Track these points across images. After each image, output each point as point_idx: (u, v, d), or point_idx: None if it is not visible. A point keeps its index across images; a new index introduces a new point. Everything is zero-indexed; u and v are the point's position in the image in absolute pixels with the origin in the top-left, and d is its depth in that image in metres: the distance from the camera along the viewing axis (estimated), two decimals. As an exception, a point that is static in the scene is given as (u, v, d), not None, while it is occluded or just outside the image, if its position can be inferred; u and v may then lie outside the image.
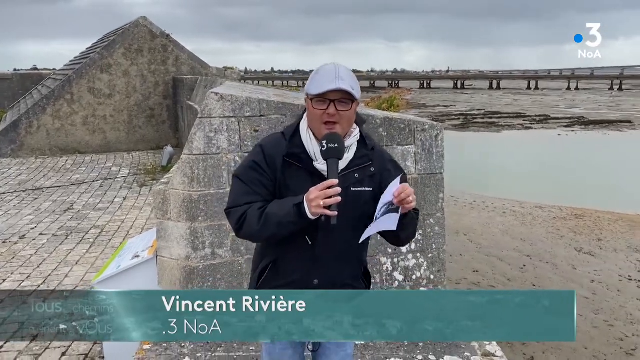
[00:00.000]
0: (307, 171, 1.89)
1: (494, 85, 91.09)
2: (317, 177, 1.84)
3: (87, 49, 20.04)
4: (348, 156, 1.91)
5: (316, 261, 1.93)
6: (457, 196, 13.13)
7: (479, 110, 43.45)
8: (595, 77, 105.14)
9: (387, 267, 3.93)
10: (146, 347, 3.29)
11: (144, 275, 3.62)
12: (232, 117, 3.59)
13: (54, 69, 28.95)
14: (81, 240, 6.87)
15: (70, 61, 20.40)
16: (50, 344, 4.14)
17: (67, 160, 13.35)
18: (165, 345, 3.36)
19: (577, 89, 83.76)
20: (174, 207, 3.60)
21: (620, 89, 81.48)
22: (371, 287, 2.17)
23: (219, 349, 3.30)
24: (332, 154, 1.81)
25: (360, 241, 1.90)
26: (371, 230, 1.85)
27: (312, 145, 1.90)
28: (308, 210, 1.76)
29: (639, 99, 57.99)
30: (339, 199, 1.74)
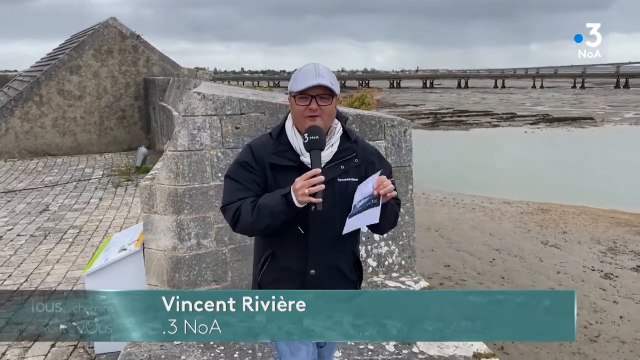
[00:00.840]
0: (294, 166, 2.00)
1: (462, 84, 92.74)
2: (304, 170, 1.93)
3: (54, 50, 19.74)
4: (332, 149, 2.04)
5: (309, 249, 2.03)
6: (428, 193, 13.33)
7: (447, 109, 43.90)
8: (558, 76, 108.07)
9: (362, 254, 4.19)
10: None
11: (132, 266, 3.80)
12: (214, 115, 3.81)
13: (16, 70, 28.26)
14: (60, 240, 6.92)
15: (37, 62, 20.05)
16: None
17: (38, 163, 13.21)
18: None
19: (541, 87, 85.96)
20: (160, 201, 3.79)
21: (582, 87, 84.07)
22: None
23: (207, 331, 3.52)
24: (314, 145, 1.93)
25: (343, 233, 1.99)
26: (354, 224, 1.93)
27: (297, 141, 2.02)
28: (295, 199, 1.87)
29: (600, 97, 59.72)
30: (323, 186, 1.85)
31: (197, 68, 19.61)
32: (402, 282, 4.12)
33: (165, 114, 12.14)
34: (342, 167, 2.04)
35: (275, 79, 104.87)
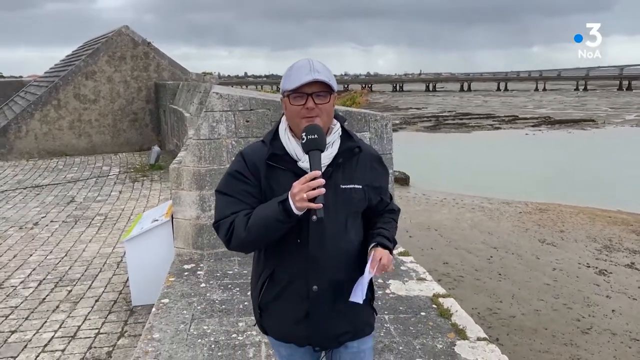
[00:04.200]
0: (291, 172, 1.83)
1: (465, 87, 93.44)
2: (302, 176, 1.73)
3: (67, 56, 20.72)
4: (332, 151, 1.86)
5: (311, 264, 1.85)
6: (429, 194, 13.63)
7: (450, 111, 44.36)
8: (561, 78, 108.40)
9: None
10: (171, 279, 4.36)
11: (163, 233, 4.69)
12: (229, 110, 4.71)
13: (20, 76, 29.13)
14: (89, 225, 7.81)
15: (51, 68, 21.05)
16: (84, 294, 5.16)
17: (57, 162, 14.13)
18: (185, 276, 4.43)
19: (544, 89, 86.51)
20: (186, 179, 4.68)
21: (585, 89, 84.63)
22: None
23: (225, 279, 4.39)
24: (313, 146, 1.75)
25: (360, 301, 1.81)
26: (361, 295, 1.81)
27: (292, 146, 1.85)
28: (293, 205, 1.69)
29: (603, 99, 59.96)
30: (323, 190, 1.66)
31: (205, 73, 20.54)
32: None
33: (176, 116, 12.99)
34: (345, 171, 1.88)
35: (278, 82, 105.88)
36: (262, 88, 77.67)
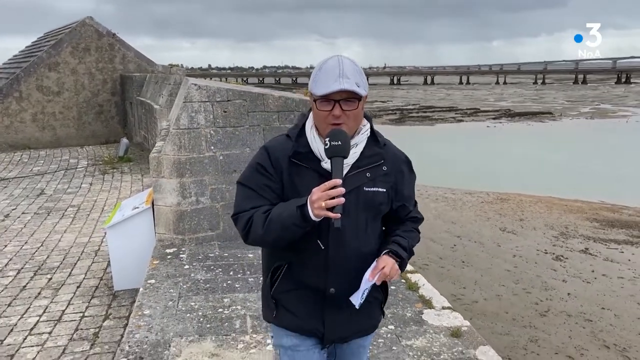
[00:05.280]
0: (314, 171, 1.80)
1: (428, 80, 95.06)
2: (325, 178, 1.71)
3: (27, 47, 20.21)
4: (357, 150, 1.82)
5: (330, 266, 1.82)
6: None
7: (414, 105, 45.07)
8: (521, 72, 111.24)
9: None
10: (155, 262, 4.56)
11: (145, 219, 4.86)
12: (207, 101, 4.91)
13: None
14: (62, 216, 7.82)
15: (10, 59, 20.48)
16: (65, 281, 5.27)
17: (22, 155, 13.87)
18: (168, 259, 4.64)
19: (505, 83, 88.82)
20: (167, 168, 4.86)
21: (543, 82, 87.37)
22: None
23: (207, 261, 4.62)
24: (336, 152, 1.71)
25: (356, 305, 1.81)
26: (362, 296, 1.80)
27: (316, 144, 1.81)
28: (311, 212, 1.66)
29: (560, 92, 62.08)
30: (342, 200, 1.63)
31: (171, 65, 20.36)
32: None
33: (143, 108, 12.97)
34: (368, 174, 1.84)
35: (244, 75, 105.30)
36: (226, 80, 76.93)
